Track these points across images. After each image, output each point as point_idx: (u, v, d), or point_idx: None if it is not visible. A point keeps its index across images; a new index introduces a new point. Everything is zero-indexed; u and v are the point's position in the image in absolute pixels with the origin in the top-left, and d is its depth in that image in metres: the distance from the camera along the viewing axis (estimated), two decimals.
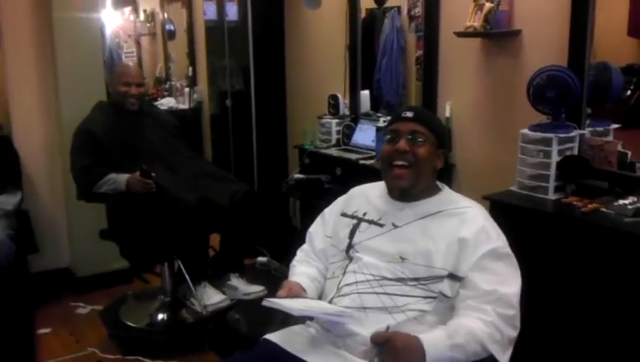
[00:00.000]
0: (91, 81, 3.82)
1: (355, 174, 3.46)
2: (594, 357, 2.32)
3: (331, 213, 1.99)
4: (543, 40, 2.83)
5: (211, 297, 3.21)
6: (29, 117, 3.94)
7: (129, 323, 3.31)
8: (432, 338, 1.54)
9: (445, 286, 1.65)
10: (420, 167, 1.77)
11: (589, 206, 2.41)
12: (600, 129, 2.74)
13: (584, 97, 2.65)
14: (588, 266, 2.31)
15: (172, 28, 6.71)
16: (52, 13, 3.72)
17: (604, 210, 2.38)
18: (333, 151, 3.92)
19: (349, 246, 1.83)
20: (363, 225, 1.84)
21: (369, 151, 3.72)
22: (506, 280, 1.64)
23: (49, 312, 3.70)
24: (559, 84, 2.56)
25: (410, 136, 1.77)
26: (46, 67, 3.88)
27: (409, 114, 1.80)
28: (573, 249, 2.36)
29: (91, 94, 3.65)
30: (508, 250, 1.70)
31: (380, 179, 1.90)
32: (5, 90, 3.93)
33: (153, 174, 3.03)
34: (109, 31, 6.79)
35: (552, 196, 2.59)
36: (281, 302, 1.68)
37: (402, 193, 1.81)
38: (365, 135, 3.86)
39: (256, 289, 3.34)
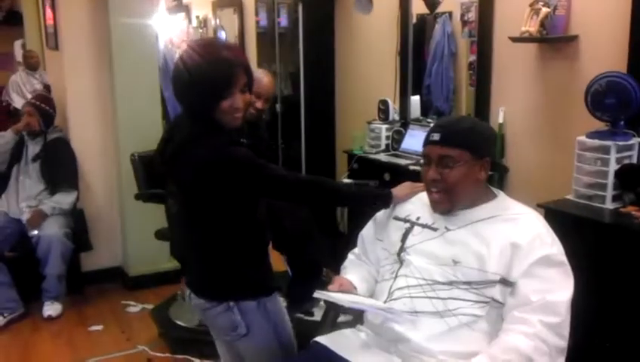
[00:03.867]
0: (146, 86, 3.92)
1: (404, 180, 3.40)
2: None
3: (383, 216, 1.99)
4: (601, 45, 2.77)
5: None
6: (86, 119, 4.06)
7: (179, 323, 3.36)
8: None
9: (497, 292, 1.63)
10: (453, 191, 1.73)
11: None
12: None
13: None
14: None
15: (223, 34, 6.80)
16: (109, 19, 3.83)
17: None
18: (382, 157, 3.91)
19: (401, 249, 1.82)
20: (416, 228, 1.83)
21: (419, 157, 3.69)
22: (556, 288, 1.60)
23: (101, 310, 3.79)
24: (619, 91, 2.49)
25: (439, 162, 1.73)
26: (102, 71, 3.99)
27: (436, 137, 1.74)
28: (631, 260, 2.29)
29: (146, 98, 3.74)
30: (563, 257, 1.66)
31: None
32: (63, 92, 4.06)
33: None
34: (162, 37, 6.94)
35: (609, 205, 2.52)
36: (332, 294, 1.70)
37: (444, 212, 1.79)
38: (415, 140, 3.83)
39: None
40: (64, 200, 3.80)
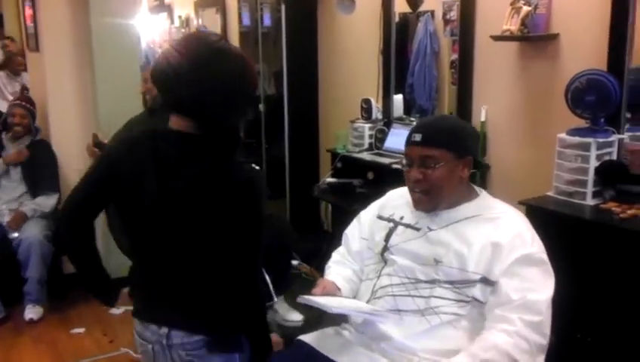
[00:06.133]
0: (128, 86, 3.87)
1: (387, 179, 3.43)
2: None
3: (367, 215, 1.99)
4: (582, 44, 2.79)
5: (289, 314, 3.15)
6: (67, 120, 4.02)
7: None
8: None
9: (478, 291, 1.63)
10: (436, 190, 1.73)
11: (628, 212, 2.37)
12: (639, 134, 2.68)
13: (624, 101, 2.60)
14: (626, 273, 2.25)
15: None
16: (90, 19, 3.79)
17: None
18: (366, 156, 3.91)
19: (385, 249, 1.82)
20: (399, 228, 1.83)
21: (402, 156, 3.67)
22: (536, 287, 1.60)
23: (83, 312, 3.75)
24: (598, 88, 2.52)
25: (421, 162, 1.73)
26: (84, 72, 3.95)
27: (417, 137, 1.74)
28: (612, 255, 2.31)
29: (128, 99, 3.69)
30: (543, 256, 1.67)
31: None
32: (45, 94, 4.02)
33: (105, 141, 2.98)
34: (144, 36, 6.89)
35: (590, 202, 2.54)
36: (317, 299, 1.69)
37: (427, 211, 1.79)
38: (398, 139, 3.83)
39: (295, 318, 3.21)
40: (45, 203, 3.76)
